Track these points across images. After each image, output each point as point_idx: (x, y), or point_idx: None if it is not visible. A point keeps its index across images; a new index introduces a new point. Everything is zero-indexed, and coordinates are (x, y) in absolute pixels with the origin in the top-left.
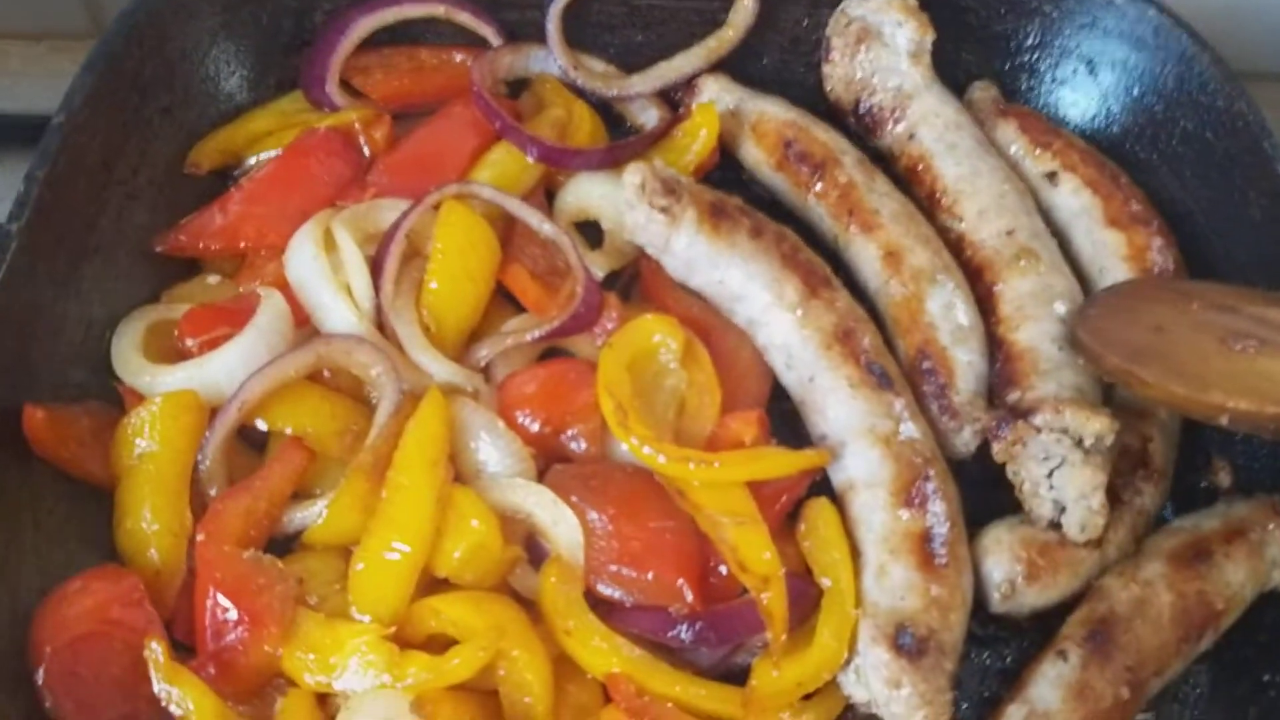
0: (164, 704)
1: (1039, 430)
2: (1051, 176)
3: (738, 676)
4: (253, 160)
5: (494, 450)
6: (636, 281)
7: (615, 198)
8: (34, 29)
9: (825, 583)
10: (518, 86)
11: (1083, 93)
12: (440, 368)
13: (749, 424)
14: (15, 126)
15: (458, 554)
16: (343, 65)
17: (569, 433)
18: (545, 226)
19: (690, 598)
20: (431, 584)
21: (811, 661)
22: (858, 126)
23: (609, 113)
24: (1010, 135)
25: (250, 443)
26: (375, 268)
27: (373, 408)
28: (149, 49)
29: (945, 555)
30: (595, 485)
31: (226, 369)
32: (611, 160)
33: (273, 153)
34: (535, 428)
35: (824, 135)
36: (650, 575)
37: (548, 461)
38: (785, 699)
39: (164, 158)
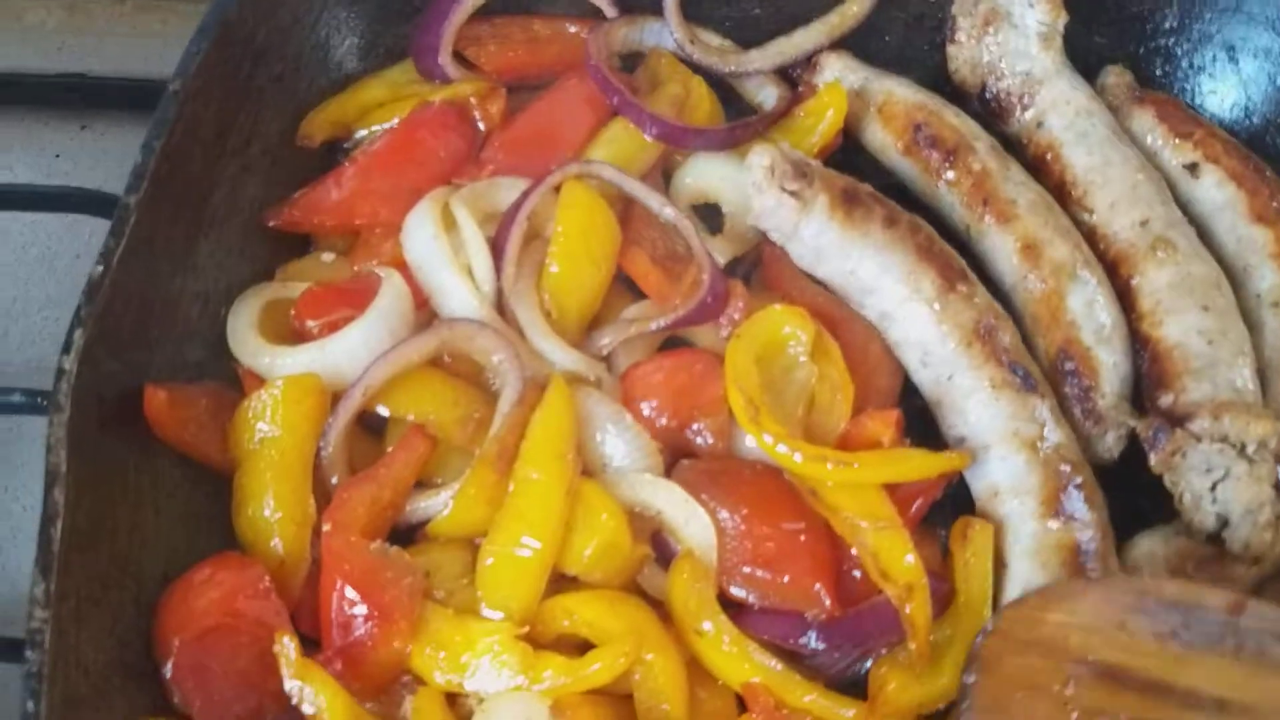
0: (293, 701)
1: (1199, 439)
2: (1192, 168)
3: (851, 685)
4: (363, 133)
5: (620, 444)
6: (757, 269)
7: (737, 179)
8: None
9: (960, 598)
10: (631, 61)
11: (1222, 81)
12: (563, 355)
13: (886, 424)
14: (103, 88)
15: (588, 552)
16: (455, 35)
17: (694, 427)
18: (667, 210)
19: (828, 603)
20: (557, 582)
21: (939, 685)
22: (983, 111)
23: (721, 90)
24: (1147, 124)
25: (365, 426)
26: (496, 250)
27: (492, 394)
28: (263, 13)
29: (1097, 568)
30: (725, 482)
31: (349, 352)
32: (733, 140)
33: (383, 125)
34: (660, 421)
35: (955, 120)
36: (786, 578)
37: (672, 456)
38: (907, 716)
39: (275, 129)
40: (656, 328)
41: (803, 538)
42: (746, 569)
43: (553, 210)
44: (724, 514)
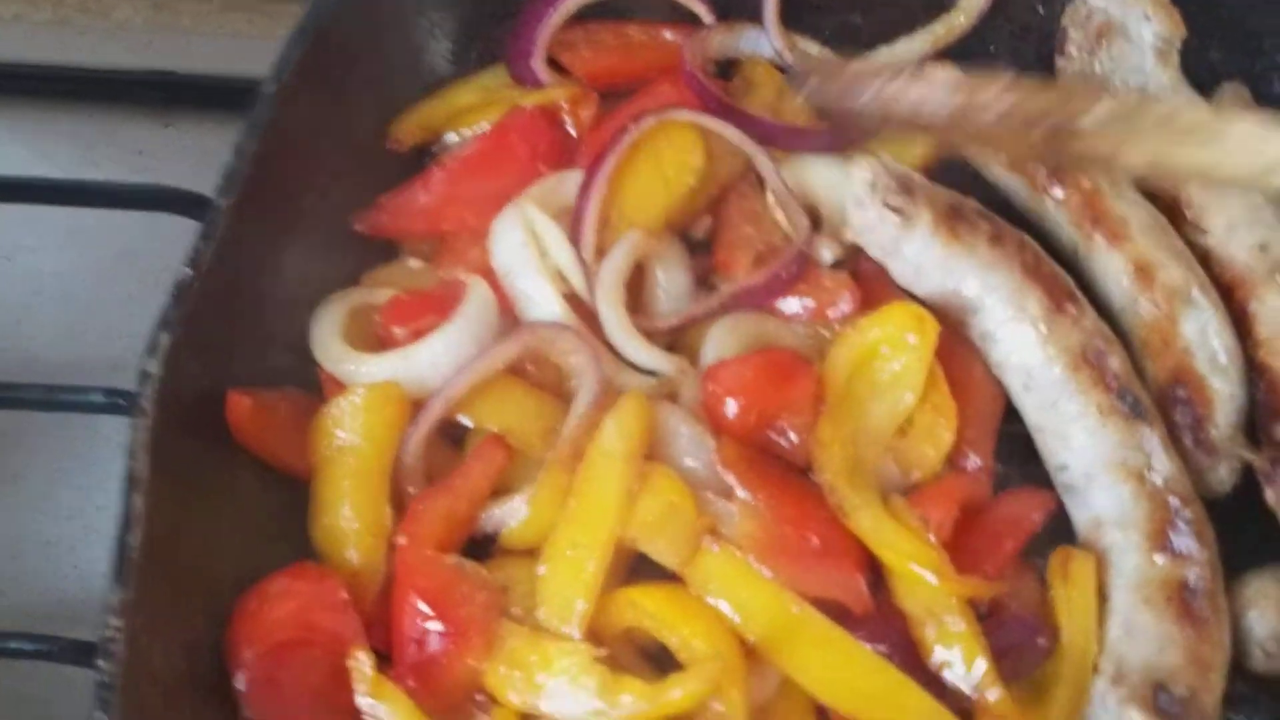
0: (366, 718)
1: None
2: None
3: None
4: (453, 137)
5: (699, 466)
6: (856, 282)
7: (838, 184)
8: None
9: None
10: (727, 71)
11: None
12: (644, 354)
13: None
14: (188, 86)
15: (649, 518)
16: (549, 40)
17: (778, 425)
18: (763, 161)
19: (866, 595)
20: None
21: None
22: None
23: None
24: None
25: (445, 436)
26: (573, 235)
27: None
28: (359, 16)
29: (1205, 607)
30: (762, 467)
31: (433, 360)
32: (837, 144)
33: (474, 130)
34: (744, 419)
35: None
36: (824, 570)
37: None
38: None
39: (366, 132)
40: (724, 296)
41: (838, 530)
42: (785, 557)
43: None
44: (761, 500)
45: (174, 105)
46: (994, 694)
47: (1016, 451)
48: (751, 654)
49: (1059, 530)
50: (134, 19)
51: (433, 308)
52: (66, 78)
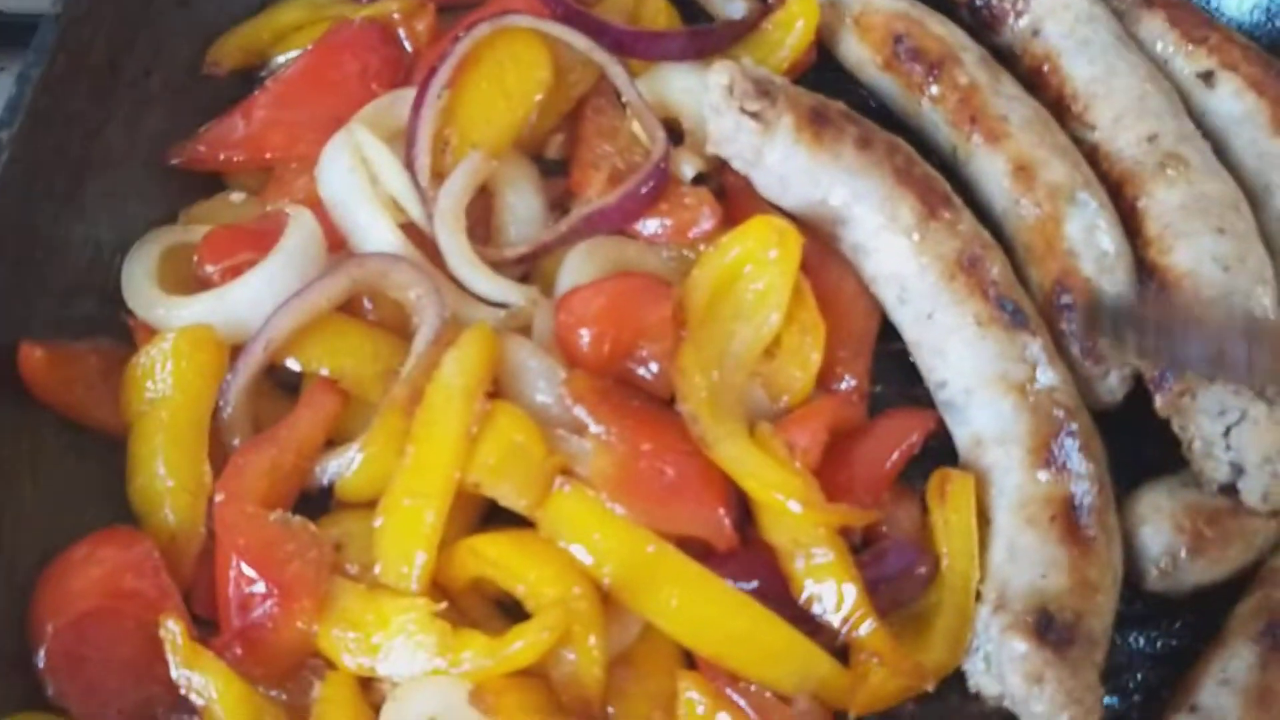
0: (183, 690)
1: (1210, 378)
2: (1207, 77)
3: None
4: (280, 59)
5: (551, 400)
6: (722, 199)
7: (699, 92)
8: None
9: (944, 562)
10: None
11: None
12: (489, 284)
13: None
14: (18, 27)
15: (492, 459)
16: None
17: (638, 354)
18: (630, 89)
19: (730, 531)
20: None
21: (930, 660)
22: (972, 20)
23: (684, 6)
24: (1156, 29)
25: (280, 384)
26: (407, 159)
27: None
28: None
29: (1093, 525)
30: (616, 400)
31: (251, 300)
32: (695, 49)
33: (301, 51)
34: (600, 349)
35: (941, 29)
36: (685, 506)
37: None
38: (890, 701)
39: (180, 57)
40: (576, 220)
41: (700, 462)
42: (641, 494)
43: None
44: (614, 435)
45: (5, 48)
46: (866, 627)
47: (896, 371)
48: (609, 599)
49: (945, 451)
50: None
51: (253, 243)
52: None
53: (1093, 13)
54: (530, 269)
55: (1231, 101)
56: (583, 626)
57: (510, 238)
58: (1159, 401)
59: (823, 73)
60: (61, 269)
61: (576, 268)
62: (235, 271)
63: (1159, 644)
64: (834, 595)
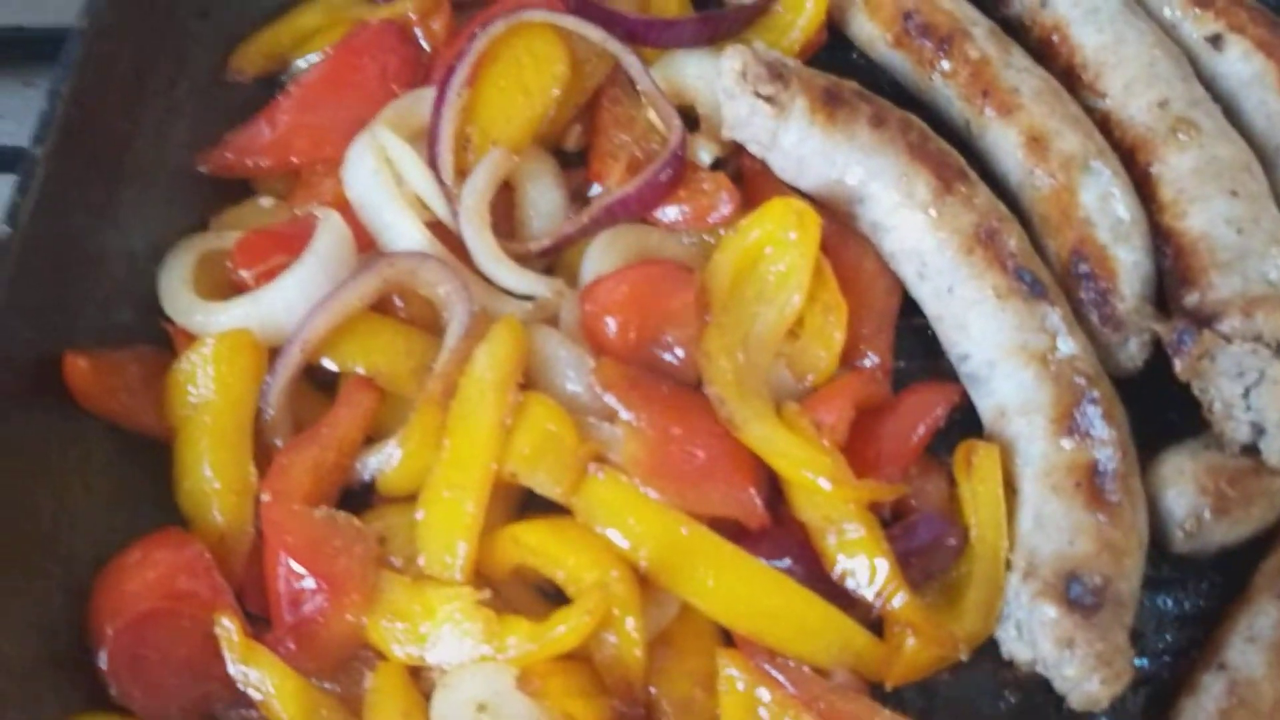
0: (240, 686)
1: (1229, 340)
2: (1215, 40)
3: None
4: (301, 63)
5: (581, 389)
6: (739, 183)
7: (713, 78)
8: None
9: (973, 532)
10: None
11: None
12: (515, 278)
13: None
14: (44, 41)
15: (526, 449)
16: None
17: (663, 339)
18: (645, 79)
19: (761, 510)
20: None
21: (964, 629)
22: None
23: None
24: None
25: (318, 383)
26: (430, 158)
27: None
28: None
29: (1117, 490)
30: (645, 386)
31: (285, 303)
32: (707, 34)
33: (322, 54)
34: (626, 336)
35: (949, 4)
36: (717, 486)
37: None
38: (925, 671)
39: (204, 65)
40: (596, 211)
41: (729, 444)
42: (672, 477)
43: None
44: (644, 420)
45: (31, 63)
46: (899, 600)
47: (919, 345)
48: (646, 582)
49: (970, 423)
50: None
51: (284, 246)
52: None
53: None
54: (553, 259)
55: (1240, 64)
56: (622, 609)
57: (533, 230)
58: (1178, 366)
59: (834, 51)
60: (99, 279)
61: (599, 257)
62: (269, 275)
63: (1186, 605)
64: (866, 570)
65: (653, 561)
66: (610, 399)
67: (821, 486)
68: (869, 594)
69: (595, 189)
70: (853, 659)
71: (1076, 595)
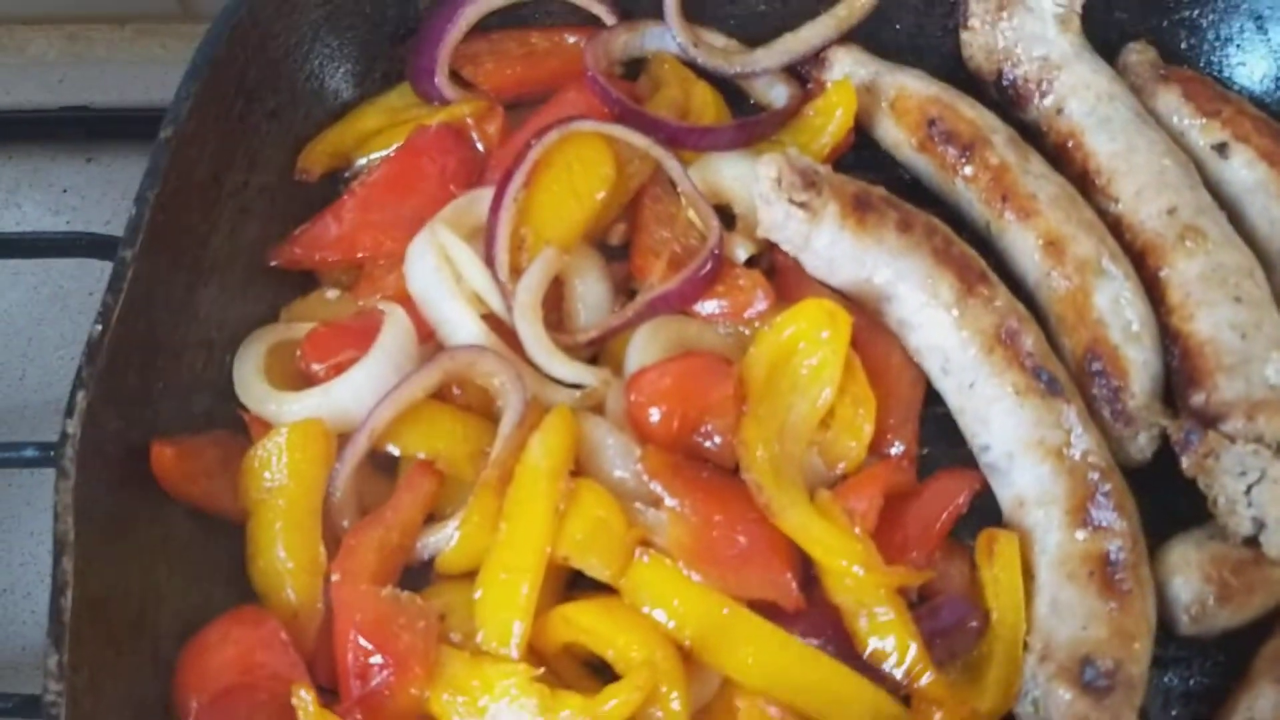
0: None
1: (1233, 440)
2: (1221, 148)
3: None
4: (362, 161)
5: (629, 477)
6: (773, 277)
7: (748, 179)
8: (118, 12)
9: (994, 615)
10: (633, 69)
11: (1250, 52)
12: (565, 369)
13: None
14: (107, 120)
15: (579, 535)
16: (451, 54)
17: (703, 429)
18: (685, 181)
19: (796, 593)
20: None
21: (985, 706)
22: (1000, 99)
23: (729, 90)
24: (1172, 103)
25: (377, 464)
26: (486, 257)
27: None
28: (252, 49)
29: (1128, 578)
30: (688, 474)
31: (354, 394)
32: (743, 139)
33: (383, 153)
34: (669, 425)
35: (971, 112)
36: (754, 570)
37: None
38: None
39: (273, 165)
40: (640, 305)
41: (767, 530)
42: (714, 561)
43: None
44: (688, 507)
45: (94, 140)
46: (926, 679)
47: (943, 433)
48: (689, 658)
49: (990, 508)
50: (49, 53)
51: (351, 340)
52: None
53: (1113, 91)
54: (601, 350)
55: (1245, 171)
56: (668, 685)
57: (580, 322)
58: (1185, 463)
59: (860, 151)
60: (179, 371)
61: (643, 347)
62: (338, 368)
63: (1191, 683)
64: (896, 650)
65: (696, 639)
66: (656, 486)
67: (855, 573)
68: (898, 673)
69: (637, 283)
70: None
71: (1090, 678)
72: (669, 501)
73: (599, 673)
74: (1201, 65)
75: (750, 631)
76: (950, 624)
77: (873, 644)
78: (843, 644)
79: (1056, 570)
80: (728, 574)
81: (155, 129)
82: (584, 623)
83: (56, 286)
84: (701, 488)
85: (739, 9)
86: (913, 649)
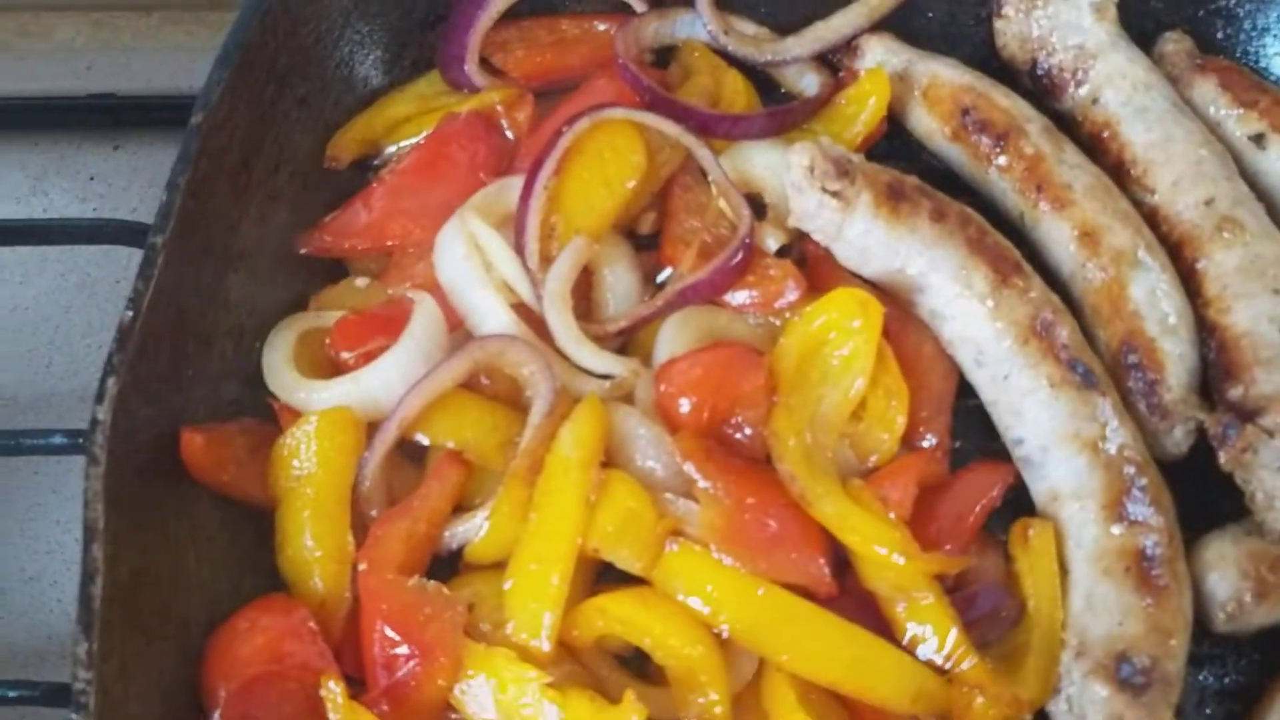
0: None
1: (1271, 434)
2: (1259, 139)
3: None
4: (392, 149)
5: (659, 467)
6: (804, 267)
7: (780, 167)
8: (145, 0)
9: (1030, 604)
10: (664, 57)
11: None
12: (595, 359)
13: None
14: (133, 107)
15: (610, 527)
16: (481, 41)
17: (734, 420)
18: (703, 153)
19: (829, 578)
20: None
21: (1026, 696)
22: (1034, 88)
23: (760, 78)
24: (1209, 93)
25: (405, 453)
26: (517, 245)
27: None
28: (283, 35)
29: (1164, 574)
30: (720, 458)
31: (384, 383)
32: (774, 127)
33: (412, 140)
34: (699, 416)
35: (1005, 101)
36: (788, 555)
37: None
38: None
39: (303, 152)
40: (670, 295)
41: (799, 515)
42: (746, 544)
43: None
44: (721, 490)
45: (121, 127)
46: (968, 663)
47: (975, 425)
48: (726, 644)
49: (1023, 501)
50: (75, 39)
51: (380, 328)
52: (10, 108)
53: (1149, 80)
54: (630, 339)
55: None
56: (707, 674)
57: (610, 312)
58: (1222, 457)
59: (892, 140)
60: (208, 358)
61: (673, 337)
62: (368, 356)
63: (1226, 680)
64: (936, 635)
65: (733, 624)
66: (689, 468)
67: (895, 562)
68: (938, 658)
69: (666, 271)
70: (927, 701)
71: (1126, 675)
72: (702, 484)
73: (627, 664)
74: (1238, 55)
75: (789, 611)
76: (985, 611)
77: (911, 629)
78: (879, 633)
79: (1092, 565)
80: (759, 557)
81: (182, 116)
82: (619, 613)
83: (83, 274)
84: (733, 472)
85: None
86: (953, 633)
